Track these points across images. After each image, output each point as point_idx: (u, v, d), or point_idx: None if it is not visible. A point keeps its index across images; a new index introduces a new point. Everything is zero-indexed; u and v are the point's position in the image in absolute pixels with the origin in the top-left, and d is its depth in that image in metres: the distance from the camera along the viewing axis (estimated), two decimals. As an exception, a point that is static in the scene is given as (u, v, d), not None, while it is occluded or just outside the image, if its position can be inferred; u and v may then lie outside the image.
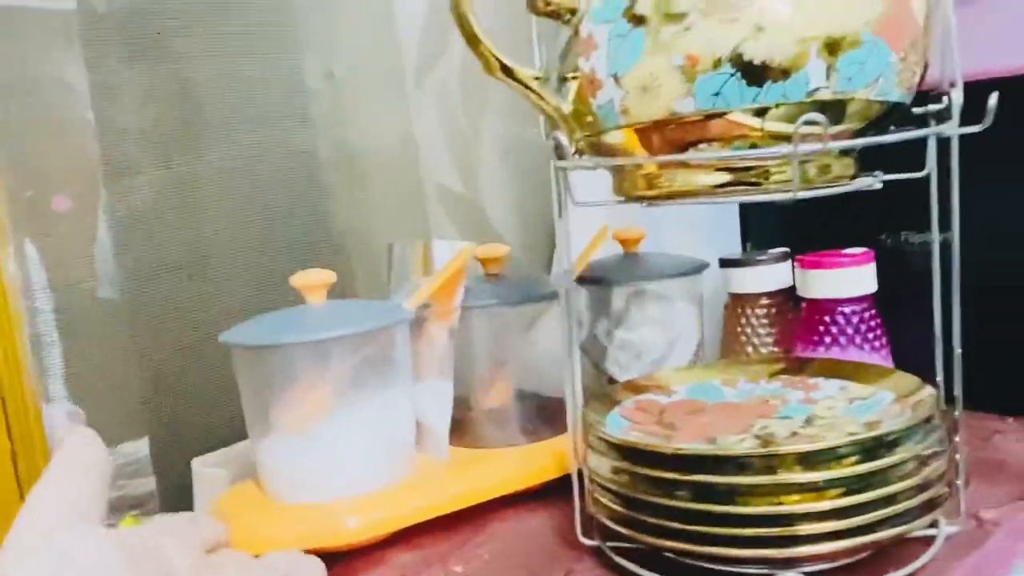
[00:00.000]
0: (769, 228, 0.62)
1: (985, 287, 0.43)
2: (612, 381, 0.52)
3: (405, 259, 0.49)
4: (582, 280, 0.53)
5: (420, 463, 0.44)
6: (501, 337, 0.49)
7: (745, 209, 0.64)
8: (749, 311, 0.54)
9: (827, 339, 0.50)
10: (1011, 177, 0.50)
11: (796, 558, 0.32)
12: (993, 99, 0.31)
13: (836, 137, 0.32)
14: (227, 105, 0.56)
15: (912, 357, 0.42)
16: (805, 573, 0.32)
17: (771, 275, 0.54)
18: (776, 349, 0.54)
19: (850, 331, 0.50)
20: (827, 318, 0.50)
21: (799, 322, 0.52)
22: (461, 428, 0.47)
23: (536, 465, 0.44)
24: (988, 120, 0.32)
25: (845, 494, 0.31)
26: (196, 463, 0.51)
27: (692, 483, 0.32)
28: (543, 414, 0.49)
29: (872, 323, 0.50)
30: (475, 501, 0.42)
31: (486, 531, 0.41)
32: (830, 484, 0.31)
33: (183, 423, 0.54)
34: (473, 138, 0.72)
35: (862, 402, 0.39)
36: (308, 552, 0.35)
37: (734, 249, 0.64)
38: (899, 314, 0.49)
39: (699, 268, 0.54)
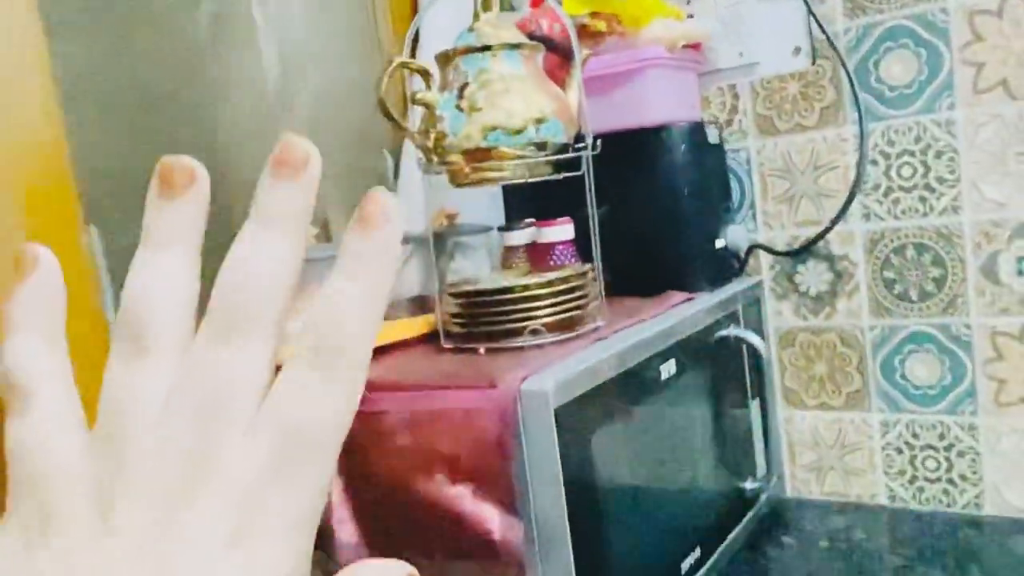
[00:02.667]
0: (521, 209, 1.09)
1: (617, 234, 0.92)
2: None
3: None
4: (435, 234, 0.97)
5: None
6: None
7: (506, 196, 1.11)
8: (513, 253, 1.01)
9: (551, 262, 0.98)
10: (617, 177, 1.01)
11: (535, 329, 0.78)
12: (598, 141, 0.80)
13: (544, 156, 0.79)
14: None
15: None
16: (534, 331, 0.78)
17: (524, 234, 1.00)
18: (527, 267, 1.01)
19: (562, 258, 0.98)
20: (551, 251, 0.98)
21: (536, 253, 0.99)
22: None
23: (418, 324, 0.87)
24: (598, 149, 0.80)
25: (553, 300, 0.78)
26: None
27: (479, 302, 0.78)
28: (418, 304, 0.92)
29: (571, 252, 0.98)
30: (393, 339, 0.84)
31: (398, 350, 0.84)
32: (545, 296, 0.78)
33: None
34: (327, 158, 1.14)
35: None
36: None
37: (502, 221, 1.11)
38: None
39: (487, 229, 1.00)
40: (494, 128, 0.75)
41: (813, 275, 1.05)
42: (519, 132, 0.76)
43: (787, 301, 1.08)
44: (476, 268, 0.99)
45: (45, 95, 0.80)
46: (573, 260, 0.98)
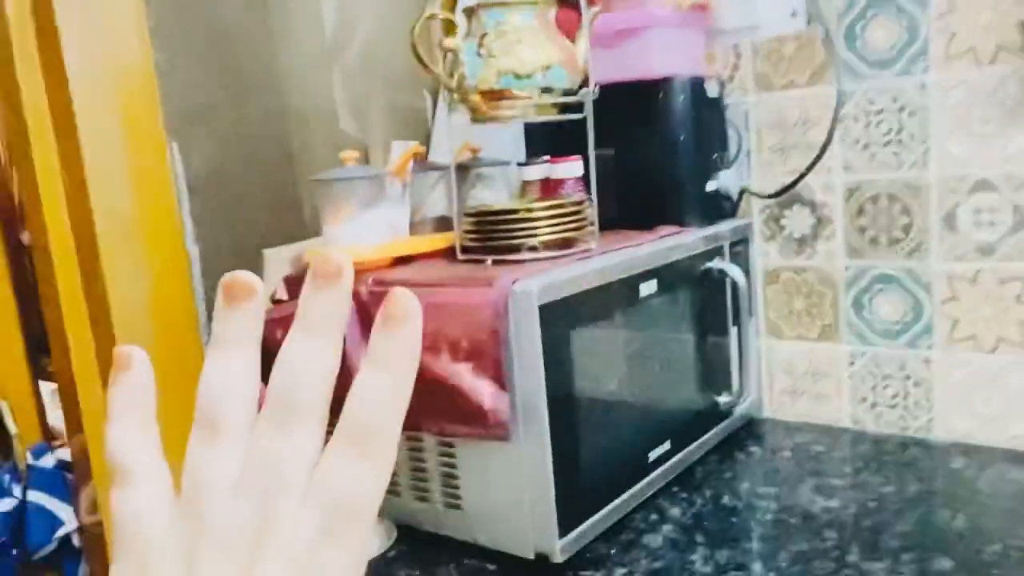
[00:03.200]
0: (539, 148, 1.23)
1: (620, 173, 1.06)
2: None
3: (376, 151, 1.06)
4: (458, 166, 1.12)
5: (395, 239, 1.01)
6: (420, 191, 1.07)
7: (527, 135, 1.24)
8: (529, 186, 1.15)
9: (561, 195, 1.12)
10: (622, 123, 1.14)
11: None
12: (597, 87, 0.93)
13: (550, 99, 0.93)
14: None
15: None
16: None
17: (539, 169, 1.14)
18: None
19: (571, 192, 1.12)
20: (561, 186, 1.12)
21: (549, 187, 1.13)
22: (412, 229, 1.05)
23: (439, 240, 1.03)
24: (596, 94, 0.93)
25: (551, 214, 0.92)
26: (267, 252, 1.05)
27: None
28: (442, 224, 1.08)
29: (579, 187, 1.12)
30: (416, 251, 1.00)
31: (420, 260, 0.99)
32: (544, 218, 0.92)
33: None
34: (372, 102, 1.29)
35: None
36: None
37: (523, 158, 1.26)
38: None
39: (505, 163, 1.14)
40: (506, 72, 0.89)
41: (798, 219, 1.18)
42: (528, 77, 0.90)
43: (774, 242, 1.20)
44: (495, 197, 1.13)
45: (139, 29, 0.96)
46: (580, 195, 1.12)
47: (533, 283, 0.81)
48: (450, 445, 0.90)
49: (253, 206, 1.09)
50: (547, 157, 1.14)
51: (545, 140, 1.19)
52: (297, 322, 0.28)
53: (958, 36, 1.02)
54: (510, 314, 0.81)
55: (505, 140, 1.23)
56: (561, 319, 0.84)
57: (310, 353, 0.27)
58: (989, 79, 1.01)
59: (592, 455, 0.89)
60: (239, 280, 0.29)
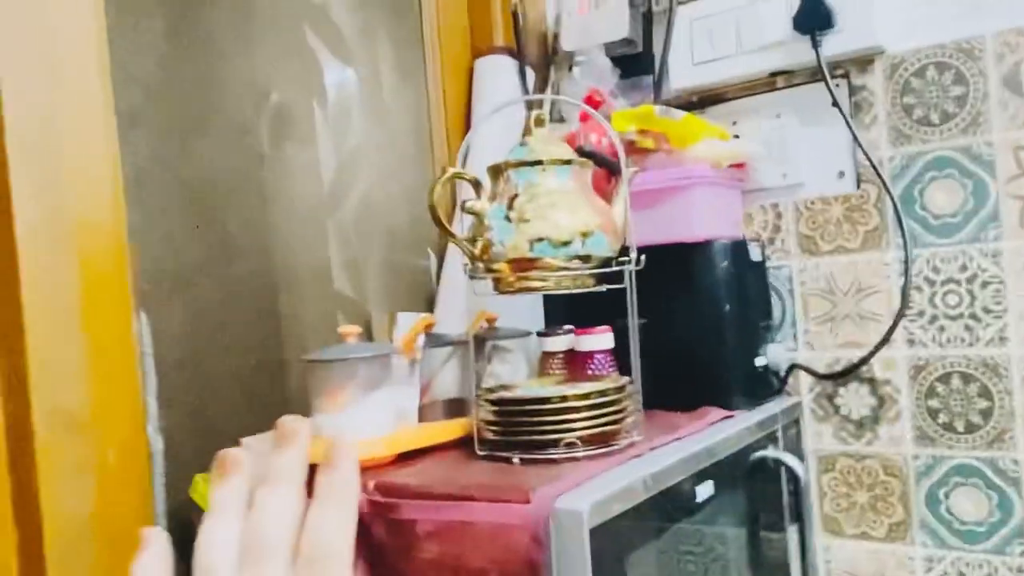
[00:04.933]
0: (559, 315, 1.10)
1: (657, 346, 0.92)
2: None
3: (380, 323, 0.91)
4: (475, 337, 0.98)
5: (402, 427, 0.85)
6: (430, 367, 0.92)
7: (545, 301, 1.11)
8: (550, 359, 1.01)
9: (589, 371, 0.98)
10: (659, 290, 1.02)
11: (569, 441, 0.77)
12: (642, 257, 0.81)
13: (588, 268, 0.80)
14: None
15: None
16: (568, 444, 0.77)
17: (562, 341, 1.00)
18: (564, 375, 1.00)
19: (600, 367, 0.97)
20: (589, 360, 0.97)
21: (574, 361, 0.98)
22: (421, 413, 0.89)
23: (453, 428, 0.87)
24: (641, 264, 0.81)
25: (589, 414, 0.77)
26: (246, 439, 0.88)
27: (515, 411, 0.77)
28: (454, 407, 0.92)
29: (609, 362, 0.98)
30: (427, 443, 0.84)
31: (431, 454, 0.83)
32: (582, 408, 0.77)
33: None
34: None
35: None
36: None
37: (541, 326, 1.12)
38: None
39: (526, 334, 1.00)
40: (541, 239, 0.77)
41: (855, 398, 1.03)
42: (565, 244, 0.77)
43: (828, 424, 1.06)
44: (513, 373, 0.98)
45: (112, 182, 0.82)
46: (611, 370, 0.98)
47: (582, 499, 0.65)
48: None
49: (230, 384, 0.93)
50: (570, 327, 1.01)
51: (567, 307, 1.06)
52: (267, 478, 0.36)
53: (1034, 201, 0.92)
54: (553, 541, 0.64)
55: (519, 307, 1.09)
56: (614, 543, 0.67)
57: (277, 501, 0.35)
58: (1074, 249, 0.90)
59: None
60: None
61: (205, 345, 0.92)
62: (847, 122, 0.97)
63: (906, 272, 0.96)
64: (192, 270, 0.93)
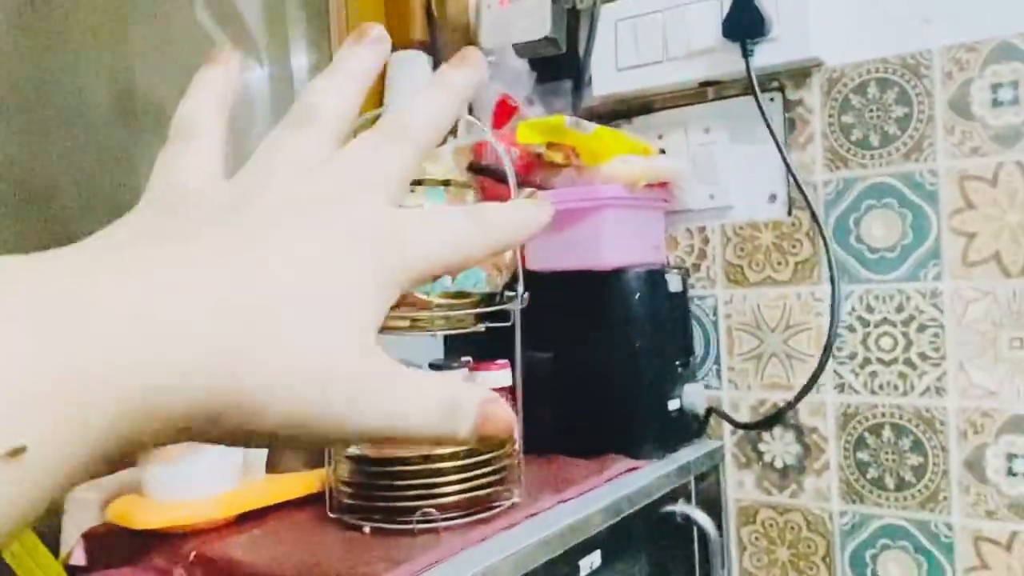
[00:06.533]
0: (461, 345, 0.99)
1: (563, 383, 0.82)
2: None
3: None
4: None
5: (246, 480, 0.74)
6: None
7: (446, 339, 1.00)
8: (445, 395, 0.90)
9: (485, 411, 0.87)
10: (566, 321, 0.91)
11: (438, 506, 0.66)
12: (525, 295, 0.70)
13: (465, 307, 0.69)
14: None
15: (531, 421, 0.80)
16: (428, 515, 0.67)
17: (455, 377, 0.90)
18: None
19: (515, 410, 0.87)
20: (485, 399, 0.87)
21: (470, 401, 0.88)
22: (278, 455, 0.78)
23: (307, 481, 0.76)
24: (525, 303, 0.70)
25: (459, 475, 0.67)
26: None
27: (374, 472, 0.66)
28: (312, 455, 0.81)
29: (509, 402, 0.87)
30: (272, 502, 0.73)
31: (277, 513, 0.72)
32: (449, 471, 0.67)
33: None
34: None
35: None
36: (173, 528, 0.63)
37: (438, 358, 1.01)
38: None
39: (416, 367, 0.89)
40: (402, 275, 0.65)
41: (779, 445, 0.94)
42: (436, 278, 0.66)
43: (750, 471, 0.96)
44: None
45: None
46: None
47: (417, 597, 0.54)
48: None
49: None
50: (468, 359, 0.90)
51: (470, 339, 0.95)
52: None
53: (978, 238, 0.82)
54: (381, 645, 0.54)
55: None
56: (461, 642, 0.57)
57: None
58: (1021, 292, 0.80)
59: None
60: (372, 26, 0.30)
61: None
62: (775, 141, 0.86)
63: (832, 309, 0.86)
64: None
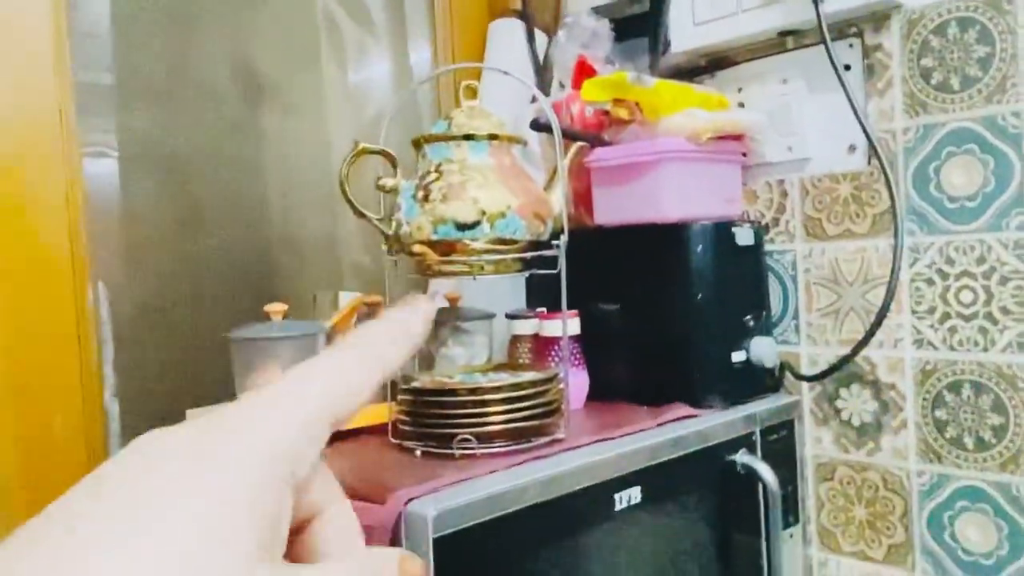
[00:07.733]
0: (541, 297, 1.04)
1: (628, 335, 0.85)
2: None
3: (323, 303, 0.90)
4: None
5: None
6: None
7: (528, 281, 1.05)
8: (518, 344, 0.96)
9: (551, 359, 0.92)
10: (629, 274, 0.93)
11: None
12: (564, 239, 0.74)
13: (506, 252, 0.74)
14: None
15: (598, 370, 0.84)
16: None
17: (529, 324, 0.95)
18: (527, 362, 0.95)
19: (562, 355, 0.91)
20: (552, 347, 0.92)
21: (539, 347, 0.93)
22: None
23: (380, 412, 0.84)
24: (564, 247, 0.74)
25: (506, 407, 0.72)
26: (190, 411, 0.89)
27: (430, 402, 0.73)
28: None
29: (575, 351, 0.91)
30: (348, 426, 0.82)
31: (352, 438, 0.81)
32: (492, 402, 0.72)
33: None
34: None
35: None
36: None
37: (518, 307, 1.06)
38: (590, 345, 0.91)
39: (489, 316, 0.96)
40: (444, 220, 0.72)
41: (857, 402, 0.92)
42: (470, 227, 0.72)
43: (827, 428, 0.95)
44: (470, 356, 0.94)
45: (69, 150, 0.85)
46: (576, 359, 0.92)
47: (428, 504, 0.61)
48: None
49: (189, 356, 0.95)
50: (542, 309, 0.95)
51: (547, 288, 1.00)
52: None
53: (1065, 184, 0.77)
54: (403, 546, 0.61)
55: (505, 287, 1.04)
56: (473, 556, 0.63)
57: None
58: (1111, 242, 0.74)
59: None
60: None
61: (164, 316, 0.94)
62: (843, 87, 0.84)
63: (893, 260, 0.83)
64: (156, 240, 0.95)
